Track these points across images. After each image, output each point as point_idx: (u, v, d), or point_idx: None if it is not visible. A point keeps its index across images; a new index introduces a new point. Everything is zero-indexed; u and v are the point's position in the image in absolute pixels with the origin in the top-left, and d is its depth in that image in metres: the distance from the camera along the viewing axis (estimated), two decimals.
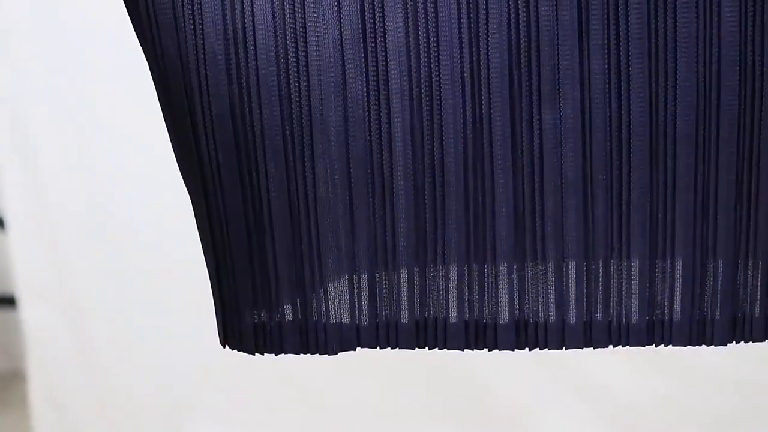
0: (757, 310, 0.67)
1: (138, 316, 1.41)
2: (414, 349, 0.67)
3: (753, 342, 0.68)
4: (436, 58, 0.62)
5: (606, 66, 0.63)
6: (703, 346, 0.68)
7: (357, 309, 0.66)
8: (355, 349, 0.67)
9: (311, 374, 1.37)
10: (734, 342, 0.68)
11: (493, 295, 0.66)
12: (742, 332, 0.67)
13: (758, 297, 0.66)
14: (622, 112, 0.63)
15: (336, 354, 0.67)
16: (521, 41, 0.62)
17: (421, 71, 0.63)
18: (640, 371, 1.32)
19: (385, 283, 0.66)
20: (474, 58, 0.63)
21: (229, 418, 1.43)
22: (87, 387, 1.45)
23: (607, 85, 0.63)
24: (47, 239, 1.42)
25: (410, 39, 0.62)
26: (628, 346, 0.67)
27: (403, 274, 0.66)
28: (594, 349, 0.67)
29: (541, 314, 0.66)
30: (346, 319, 0.66)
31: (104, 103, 1.36)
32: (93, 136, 1.37)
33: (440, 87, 0.63)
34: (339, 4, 0.62)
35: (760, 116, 0.63)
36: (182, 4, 0.61)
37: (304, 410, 1.40)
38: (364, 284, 0.66)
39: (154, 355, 1.42)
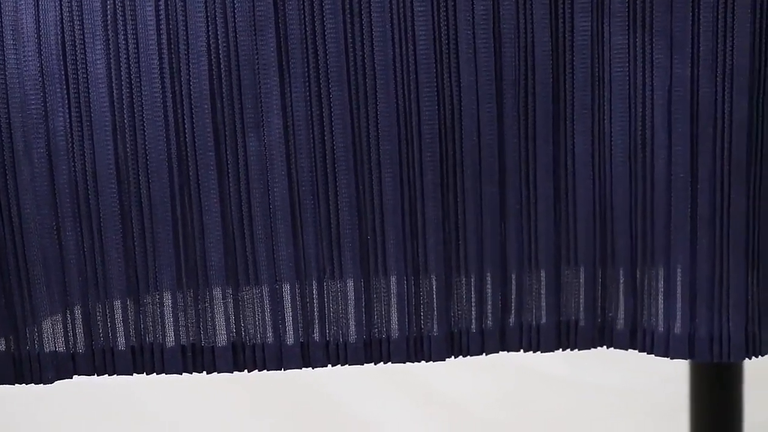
0: (473, 325, 0.69)
1: None
2: (132, 374, 0.67)
3: (470, 356, 0.70)
4: (138, 88, 0.63)
5: (307, 94, 0.64)
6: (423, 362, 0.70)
7: (72, 338, 0.66)
8: (71, 377, 0.67)
9: (148, 390, 1.35)
10: (452, 357, 0.70)
11: (209, 318, 0.67)
12: (459, 347, 0.69)
13: (473, 312, 0.68)
14: (326, 138, 0.65)
15: (52, 383, 0.67)
16: (222, 70, 0.63)
17: (123, 101, 0.63)
18: (484, 376, 1.34)
19: (99, 312, 0.66)
20: (176, 88, 0.63)
21: None
22: None
23: (309, 113, 0.64)
24: None
25: (111, 69, 0.63)
26: (347, 365, 0.69)
27: (117, 302, 0.66)
28: (313, 369, 0.68)
29: (258, 336, 0.67)
30: (61, 348, 0.67)
31: None
32: None
33: (143, 116, 0.63)
34: (38, 35, 0.62)
35: (461, 138, 0.65)
36: None
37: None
38: (78, 313, 0.66)
39: None
